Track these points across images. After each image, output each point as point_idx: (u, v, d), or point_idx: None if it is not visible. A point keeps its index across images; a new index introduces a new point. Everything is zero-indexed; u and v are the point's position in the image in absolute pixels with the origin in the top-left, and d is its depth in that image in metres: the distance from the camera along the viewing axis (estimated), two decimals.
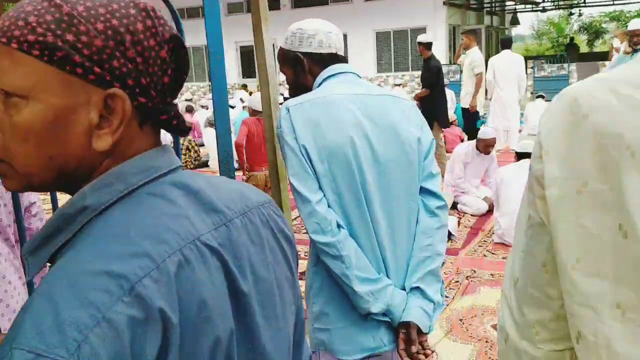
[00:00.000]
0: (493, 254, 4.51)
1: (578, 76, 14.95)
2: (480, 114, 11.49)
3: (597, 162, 0.67)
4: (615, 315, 0.66)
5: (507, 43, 8.81)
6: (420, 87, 7.36)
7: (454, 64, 13.04)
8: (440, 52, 16.54)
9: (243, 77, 19.86)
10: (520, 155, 4.79)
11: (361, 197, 1.52)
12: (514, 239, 0.86)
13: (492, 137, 5.59)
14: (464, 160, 5.68)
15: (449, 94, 12.81)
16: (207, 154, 8.99)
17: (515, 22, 24.97)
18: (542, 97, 10.50)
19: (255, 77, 18.46)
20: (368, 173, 1.52)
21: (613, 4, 22.40)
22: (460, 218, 5.45)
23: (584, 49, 31.62)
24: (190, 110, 11.49)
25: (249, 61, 19.75)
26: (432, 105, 6.99)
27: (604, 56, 15.60)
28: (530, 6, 22.21)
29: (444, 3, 16.27)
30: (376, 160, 1.53)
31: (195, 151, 8.91)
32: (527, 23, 36.08)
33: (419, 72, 16.67)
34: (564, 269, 0.71)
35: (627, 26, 19.62)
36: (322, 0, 17.97)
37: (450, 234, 4.83)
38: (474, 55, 7.84)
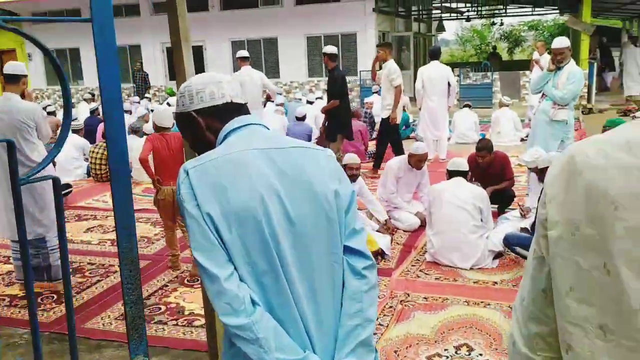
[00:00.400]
0: (426, 274, 4.46)
1: (501, 85, 15.49)
2: (399, 122, 11.65)
3: (588, 212, 0.82)
4: (599, 335, 0.82)
5: (435, 54, 8.93)
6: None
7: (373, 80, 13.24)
8: (370, 58, 16.67)
9: (170, 80, 19.19)
10: (451, 173, 4.77)
11: (277, 265, 1.35)
12: (525, 265, 1.02)
13: (425, 153, 5.57)
14: (396, 174, 5.63)
15: (379, 99, 12.94)
16: (131, 163, 8.53)
17: (441, 29, 25.66)
18: (469, 106, 10.74)
19: None
20: (283, 237, 1.36)
21: (532, 14, 23.45)
22: (393, 234, 5.38)
23: (505, 56, 33.02)
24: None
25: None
26: (337, 116, 6.94)
27: (525, 65, 16.26)
28: (455, 15, 22.87)
29: (374, 10, 16.40)
30: (291, 221, 1.37)
31: None
32: (452, 30, 37.18)
33: (350, 78, 16.74)
34: (559, 295, 0.89)
35: (544, 36, 20.61)
36: (251, 3, 17.65)
37: (383, 253, 4.75)
38: (391, 67, 7.73)
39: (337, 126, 7.12)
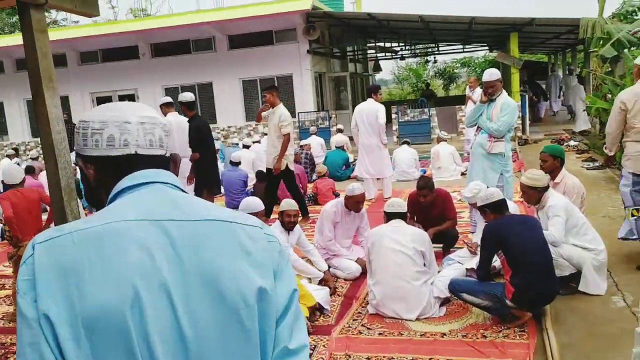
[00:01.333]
0: (369, 328, 4.04)
1: (438, 120, 15.62)
2: (350, 160, 11.43)
3: None
4: None
5: (369, 91, 8.79)
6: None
7: (257, 123, 12.99)
8: (308, 99, 16.56)
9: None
10: (389, 216, 4.43)
11: None
12: None
13: (361, 193, 5.23)
14: (333, 219, 5.25)
15: (318, 140, 12.72)
16: None
17: (377, 68, 26.12)
18: (408, 142, 10.62)
19: None
20: (165, 356, 0.91)
21: (463, 52, 24.19)
22: (333, 289, 4.95)
23: (440, 92, 33.90)
24: (31, 171, 10.09)
25: None
26: (200, 170, 6.41)
27: (461, 100, 16.54)
28: (390, 54, 23.28)
29: (308, 51, 16.37)
30: (182, 336, 0.92)
31: None
32: (389, 69, 38.03)
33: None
34: None
35: (477, 72, 21.20)
36: (184, 49, 17.31)
37: (322, 308, 4.31)
38: (281, 113, 7.05)
39: (201, 180, 6.47)
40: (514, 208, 4.38)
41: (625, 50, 9.69)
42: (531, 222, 3.89)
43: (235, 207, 8.83)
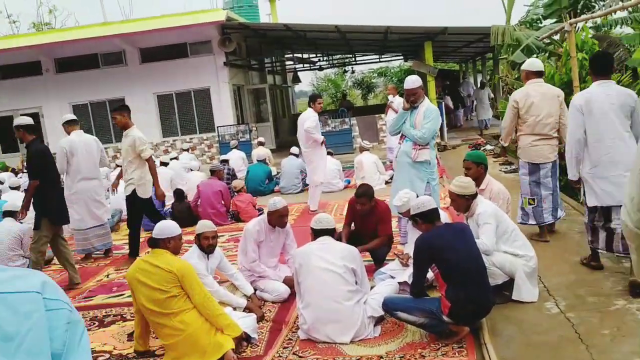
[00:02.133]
0: (300, 357, 3.73)
1: (360, 129, 15.66)
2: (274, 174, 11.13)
3: None
4: None
5: (309, 100, 8.55)
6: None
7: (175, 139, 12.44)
8: (227, 113, 16.11)
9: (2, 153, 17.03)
10: (317, 233, 4.16)
11: None
12: (631, 174, 1.50)
13: (284, 207, 4.93)
14: (256, 238, 4.91)
15: (239, 154, 12.30)
16: None
17: (296, 80, 26.04)
18: (331, 153, 10.43)
19: (19, 151, 15.92)
20: None
21: (379, 61, 24.60)
22: (262, 306, 4.62)
23: (359, 102, 34.37)
24: None
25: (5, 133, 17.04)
26: (40, 198, 5.65)
27: (380, 109, 16.68)
28: (308, 65, 23.27)
29: (225, 64, 15.95)
30: None
31: None
32: (308, 80, 38.20)
33: (208, 134, 16.04)
34: None
35: (393, 81, 21.57)
36: (92, 64, 16.35)
37: (249, 338, 3.96)
38: (136, 136, 6.36)
39: (41, 210, 5.72)
40: (444, 217, 4.24)
41: (534, 55, 10.05)
42: (464, 232, 3.74)
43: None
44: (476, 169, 4.99)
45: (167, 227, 4.02)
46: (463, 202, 4.28)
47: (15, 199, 7.58)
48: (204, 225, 4.59)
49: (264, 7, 24.46)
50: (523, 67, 5.73)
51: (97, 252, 7.07)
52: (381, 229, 5.30)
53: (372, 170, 9.88)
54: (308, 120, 8.01)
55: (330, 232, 4.18)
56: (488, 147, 12.80)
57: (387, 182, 9.99)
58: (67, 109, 16.25)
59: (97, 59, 16.35)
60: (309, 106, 8.24)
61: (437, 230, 3.76)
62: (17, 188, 9.71)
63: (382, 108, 18.59)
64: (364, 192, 5.25)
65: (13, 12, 43.73)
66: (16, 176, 13.54)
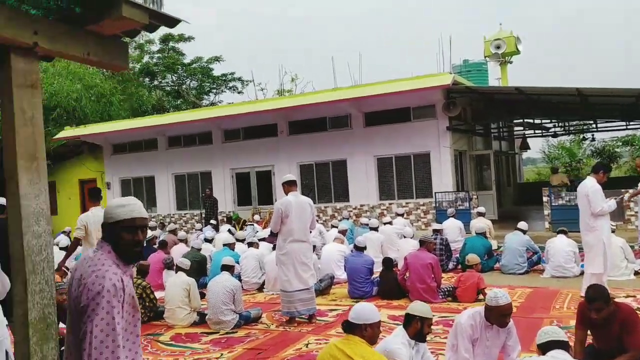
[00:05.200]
0: None
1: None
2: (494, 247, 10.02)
3: None
4: None
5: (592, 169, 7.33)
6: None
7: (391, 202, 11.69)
8: (446, 179, 15.45)
9: (238, 205, 18.75)
10: (544, 346, 3.21)
11: None
12: None
13: (507, 303, 4.03)
14: (470, 335, 4.09)
15: (456, 223, 11.39)
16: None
17: (525, 146, 24.22)
18: (564, 232, 8.95)
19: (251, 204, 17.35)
20: None
21: (626, 129, 21.58)
22: None
23: None
24: (163, 246, 10.11)
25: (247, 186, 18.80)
26: None
27: (625, 183, 14.26)
28: (539, 131, 21.49)
29: (448, 128, 15.42)
30: None
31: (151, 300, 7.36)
32: (538, 147, 35.63)
33: (425, 200, 15.51)
34: None
35: None
36: (320, 127, 17.29)
37: None
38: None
39: None
40: None
41: None
42: None
43: (360, 297, 7.88)
44: None
45: (364, 312, 3.48)
46: None
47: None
48: (427, 310, 3.96)
49: (494, 72, 23.48)
50: None
51: (301, 317, 6.88)
52: (629, 341, 4.01)
53: (617, 256, 8.18)
54: (592, 194, 6.65)
55: (564, 345, 3.20)
56: None
57: (637, 273, 8.21)
58: (295, 168, 17.32)
59: (325, 122, 17.23)
60: (590, 174, 6.99)
61: None
62: (241, 241, 10.30)
63: (626, 181, 16.00)
64: (598, 295, 4.03)
65: (262, 81, 49.81)
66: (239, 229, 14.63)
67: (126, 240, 2.26)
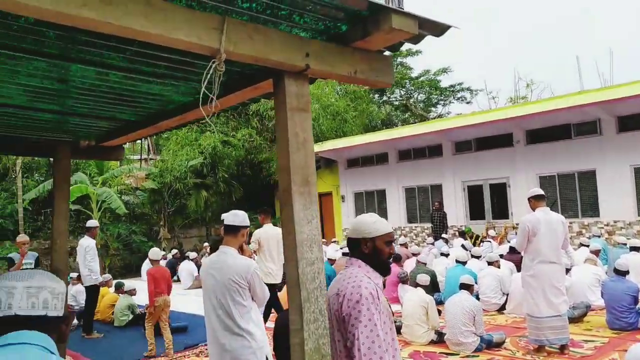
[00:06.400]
0: None
1: None
2: None
3: None
4: None
5: None
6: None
7: None
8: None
9: (471, 220, 18.07)
10: None
11: None
12: None
13: None
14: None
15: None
16: None
17: None
18: None
19: (484, 219, 16.56)
20: None
21: None
22: None
23: None
24: None
25: (476, 200, 18.01)
26: None
27: None
28: None
29: None
30: None
31: None
32: None
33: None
34: None
35: None
36: (563, 134, 15.72)
37: None
38: None
39: None
40: None
41: None
42: None
43: (621, 329, 6.81)
44: None
45: None
46: None
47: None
48: None
49: None
50: None
51: (552, 346, 6.17)
52: None
53: None
54: None
55: None
56: None
57: None
58: (534, 180, 16.03)
59: (569, 129, 15.63)
60: None
61: None
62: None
63: None
64: None
65: (493, 89, 47.77)
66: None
67: (385, 253, 2.40)
